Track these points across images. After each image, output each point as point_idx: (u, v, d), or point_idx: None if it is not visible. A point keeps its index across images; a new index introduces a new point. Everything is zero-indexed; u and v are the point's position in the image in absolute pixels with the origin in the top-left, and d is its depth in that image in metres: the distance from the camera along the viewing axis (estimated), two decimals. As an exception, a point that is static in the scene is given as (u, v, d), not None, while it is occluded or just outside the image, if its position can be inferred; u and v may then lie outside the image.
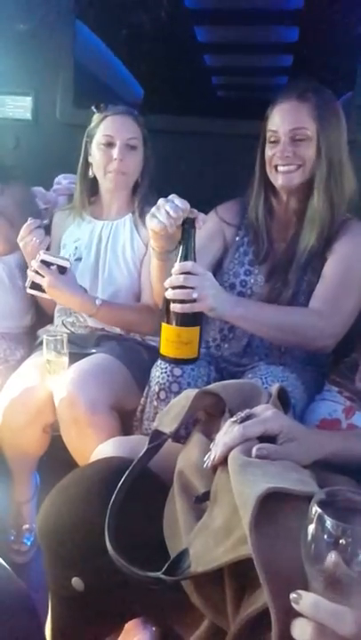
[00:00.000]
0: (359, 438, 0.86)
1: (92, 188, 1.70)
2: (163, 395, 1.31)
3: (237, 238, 1.52)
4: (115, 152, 1.58)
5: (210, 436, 0.86)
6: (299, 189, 1.41)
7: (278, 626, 0.51)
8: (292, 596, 0.49)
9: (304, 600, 0.49)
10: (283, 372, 1.36)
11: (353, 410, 1.32)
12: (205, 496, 0.73)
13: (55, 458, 1.47)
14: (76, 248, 1.70)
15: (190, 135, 1.93)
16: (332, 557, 0.49)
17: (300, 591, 0.50)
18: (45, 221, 1.73)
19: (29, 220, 1.54)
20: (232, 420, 0.78)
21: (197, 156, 1.95)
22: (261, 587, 0.54)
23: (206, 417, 0.94)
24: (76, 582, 0.79)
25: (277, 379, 1.31)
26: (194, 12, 2.37)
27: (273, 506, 0.59)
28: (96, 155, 1.62)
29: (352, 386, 1.38)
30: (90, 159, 1.66)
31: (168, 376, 1.31)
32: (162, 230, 1.13)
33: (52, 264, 1.48)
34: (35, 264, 1.47)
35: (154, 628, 1.00)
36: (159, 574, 0.66)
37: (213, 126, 1.97)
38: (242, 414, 0.78)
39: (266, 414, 0.77)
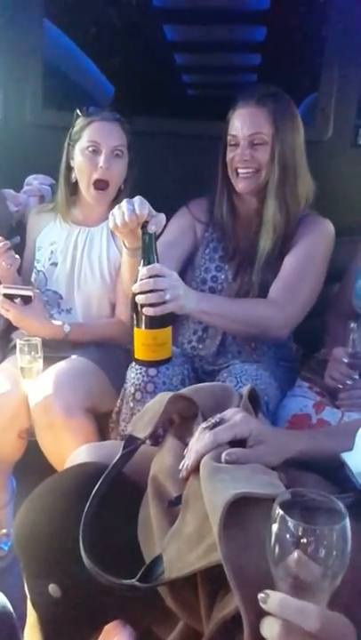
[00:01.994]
0: (326, 436, 0.89)
1: (74, 191, 1.66)
2: (138, 395, 1.32)
3: (207, 234, 1.57)
4: (100, 160, 1.54)
5: (184, 439, 0.87)
6: (258, 191, 1.47)
7: (250, 628, 0.52)
8: (260, 595, 0.51)
9: (271, 599, 0.51)
10: (256, 370, 1.39)
11: (323, 405, 1.35)
12: (178, 500, 0.75)
13: (31, 463, 1.47)
14: (52, 252, 1.68)
15: (161, 135, 1.93)
16: (295, 556, 0.51)
17: (267, 591, 0.52)
18: (16, 240, 1.70)
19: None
20: (203, 425, 0.79)
21: (169, 155, 1.95)
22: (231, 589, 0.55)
23: (180, 419, 0.95)
24: (53, 589, 0.80)
25: (251, 377, 1.34)
26: (163, 11, 2.37)
27: (242, 510, 0.61)
28: (80, 160, 1.57)
29: (321, 381, 1.41)
30: (72, 163, 1.61)
31: (143, 376, 1.32)
32: (117, 229, 1.19)
33: (16, 296, 1.47)
34: None
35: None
36: (133, 582, 0.67)
37: (184, 127, 1.98)
38: (213, 420, 0.79)
39: (235, 419, 0.79)
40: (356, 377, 1.32)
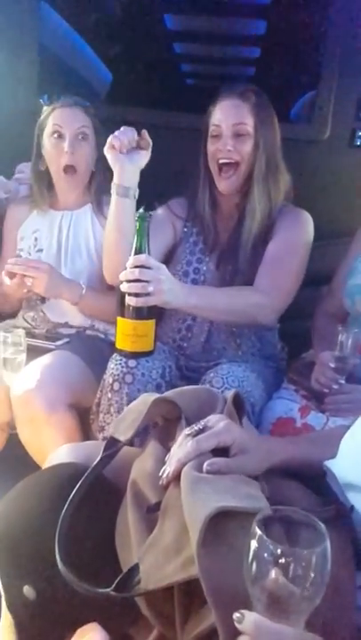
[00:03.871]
0: (310, 443, 0.88)
1: (48, 179, 1.67)
2: (117, 386, 1.32)
3: (186, 229, 1.60)
4: (65, 144, 1.57)
5: (166, 442, 0.86)
6: (239, 188, 1.50)
7: None
8: (235, 615, 0.50)
9: (246, 620, 0.50)
10: (243, 371, 1.38)
11: (308, 409, 1.34)
12: (157, 506, 0.74)
13: (12, 456, 1.46)
14: (36, 239, 1.67)
15: (159, 127, 1.90)
16: (272, 576, 0.50)
17: (243, 611, 0.51)
18: None
19: None
20: (186, 432, 0.78)
21: (165, 146, 1.92)
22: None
23: (163, 422, 0.94)
24: (28, 591, 0.79)
25: (238, 379, 1.33)
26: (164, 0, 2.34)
27: (222, 523, 0.60)
28: (47, 147, 1.61)
29: (308, 384, 1.40)
30: (42, 151, 1.64)
31: (122, 367, 1.32)
32: (113, 151, 1.32)
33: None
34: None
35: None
36: (109, 590, 0.66)
37: (182, 119, 1.95)
38: (196, 427, 0.78)
39: (218, 426, 0.78)
40: (343, 381, 1.31)
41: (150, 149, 1.37)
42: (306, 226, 1.50)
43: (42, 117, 1.62)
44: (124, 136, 1.33)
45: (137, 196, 1.38)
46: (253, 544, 0.52)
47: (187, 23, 2.66)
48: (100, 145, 1.60)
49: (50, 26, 2.12)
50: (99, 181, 1.64)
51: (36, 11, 1.96)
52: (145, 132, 1.36)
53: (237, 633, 0.51)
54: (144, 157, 1.36)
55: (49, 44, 2.12)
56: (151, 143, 1.37)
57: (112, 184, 1.38)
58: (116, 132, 1.34)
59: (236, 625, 0.50)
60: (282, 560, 0.50)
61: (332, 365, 1.31)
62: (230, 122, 1.44)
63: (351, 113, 1.81)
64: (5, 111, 2.00)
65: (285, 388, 1.45)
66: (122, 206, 1.38)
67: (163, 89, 2.26)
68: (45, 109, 1.62)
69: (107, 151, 1.36)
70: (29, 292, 1.50)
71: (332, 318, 1.52)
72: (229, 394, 0.91)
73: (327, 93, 1.81)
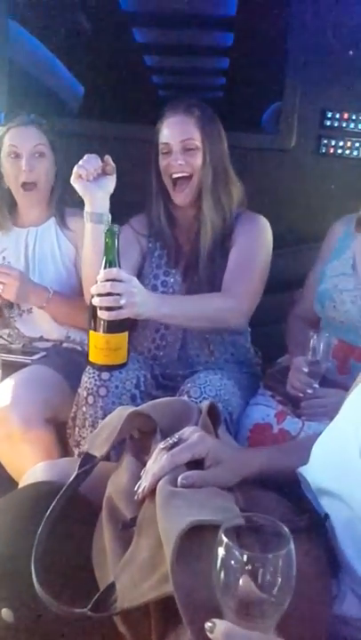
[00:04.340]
0: (284, 453, 0.89)
1: (10, 197, 1.69)
2: (91, 399, 1.32)
3: (150, 245, 1.62)
4: (22, 163, 1.59)
5: (142, 457, 0.86)
6: (194, 200, 1.53)
7: None
8: (207, 625, 0.51)
9: (217, 629, 0.50)
10: (220, 380, 1.39)
11: (284, 414, 1.35)
12: (133, 522, 0.74)
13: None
14: (4, 258, 1.68)
15: (131, 141, 1.91)
16: (241, 583, 0.50)
17: (214, 620, 0.51)
18: None
19: None
20: (161, 446, 0.78)
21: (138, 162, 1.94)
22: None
23: (139, 435, 0.94)
24: (6, 613, 0.78)
25: (215, 388, 1.35)
26: (130, 14, 2.36)
27: (196, 538, 0.60)
28: (5, 166, 1.63)
29: (284, 389, 1.41)
30: (2, 170, 1.65)
31: (96, 380, 1.32)
32: (80, 180, 1.34)
33: None
34: None
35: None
36: (85, 610, 0.66)
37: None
38: (170, 440, 0.78)
39: (192, 439, 0.78)
40: (316, 386, 1.33)
41: (115, 174, 1.39)
42: (264, 230, 1.54)
43: None
44: (89, 165, 1.34)
45: (110, 221, 1.38)
46: (221, 552, 0.52)
47: (155, 36, 2.69)
48: (58, 160, 1.65)
49: (19, 42, 2.12)
50: (60, 195, 1.66)
51: (5, 28, 1.97)
52: (108, 158, 1.37)
53: None
54: (111, 182, 1.38)
55: (19, 60, 2.13)
56: (115, 168, 1.38)
57: (85, 212, 1.39)
58: (81, 162, 1.35)
59: (208, 634, 0.50)
60: (248, 567, 0.50)
61: (306, 370, 1.33)
62: (178, 138, 1.47)
63: (316, 122, 1.84)
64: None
65: (262, 394, 1.46)
66: (97, 232, 1.37)
67: (135, 101, 2.28)
68: (1, 129, 1.64)
69: (74, 181, 1.36)
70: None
71: (305, 323, 1.54)
72: (204, 405, 0.91)
73: (292, 103, 1.84)
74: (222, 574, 0.52)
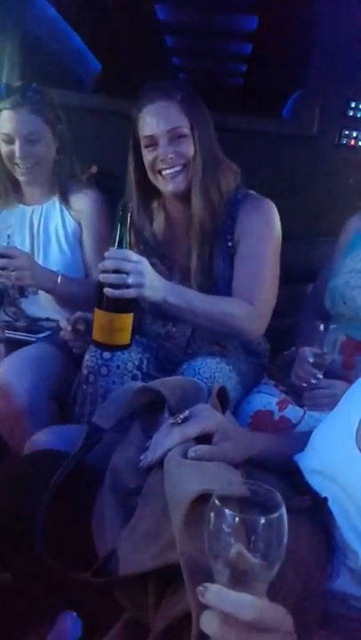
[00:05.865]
0: (289, 438, 0.90)
1: (12, 174, 1.62)
2: (92, 378, 1.30)
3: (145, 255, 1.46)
4: (16, 148, 1.51)
5: (147, 431, 0.87)
6: (184, 192, 1.36)
7: (197, 630, 0.52)
8: (199, 588, 0.51)
9: (208, 591, 0.50)
10: (217, 363, 1.38)
11: (286, 402, 1.35)
12: (137, 490, 0.74)
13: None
14: (9, 236, 1.65)
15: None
16: (233, 548, 0.50)
17: (205, 584, 0.51)
18: None
19: None
20: (171, 421, 0.79)
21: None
22: (184, 587, 0.54)
23: (146, 411, 0.94)
24: (5, 577, 0.79)
25: (210, 370, 1.33)
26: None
27: (203, 508, 0.60)
28: (2, 147, 1.55)
29: (288, 380, 1.41)
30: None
31: (97, 359, 1.30)
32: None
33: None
34: None
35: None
36: (87, 576, 0.67)
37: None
38: (181, 416, 0.79)
39: (203, 414, 0.80)
40: (320, 376, 1.33)
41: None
42: (270, 216, 1.39)
43: None
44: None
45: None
46: (212, 516, 0.52)
47: (178, 15, 2.65)
48: (61, 134, 1.57)
49: (37, 13, 2.08)
50: (63, 170, 1.62)
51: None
52: None
53: None
54: None
55: (35, 31, 2.08)
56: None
57: None
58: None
59: (200, 598, 0.50)
60: (241, 531, 0.50)
61: (311, 360, 1.32)
62: (163, 127, 1.29)
63: (339, 111, 1.80)
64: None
65: (265, 384, 1.46)
66: None
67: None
68: None
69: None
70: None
71: (316, 317, 1.53)
72: (214, 387, 0.91)
73: (315, 90, 1.80)
74: (214, 538, 0.52)
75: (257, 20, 2.44)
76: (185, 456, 0.72)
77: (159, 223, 1.47)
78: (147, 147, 1.32)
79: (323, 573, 0.66)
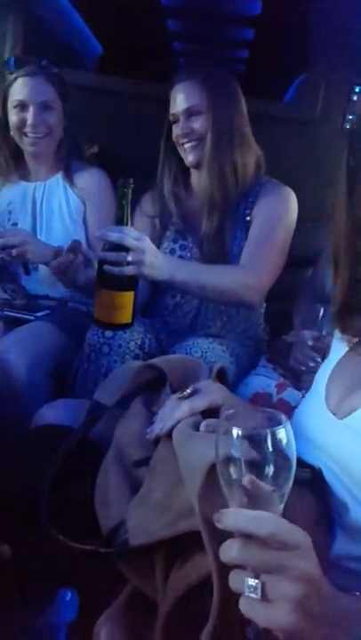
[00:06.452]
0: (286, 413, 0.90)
1: (16, 148, 1.62)
2: (93, 356, 1.31)
3: (162, 222, 1.56)
4: (29, 115, 1.52)
5: (150, 407, 0.87)
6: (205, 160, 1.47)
7: (220, 593, 0.52)
8: (215, 516, 0.51)
9: (225, 515, 0.51)
10: (210, 344, 1.39)
11: (285, 386, 1.36)
12: (143, 462, 0.75)
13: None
14: (10, 212, 1.64)
15: (147, 99, 1.88)
16: (246, 477, 0.51)
17: (222, 510, 0.51)
18: None
19: None
20: (178, 395, 0.80)
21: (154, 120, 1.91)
22: (194, 558, 0.55)
23: (148, 388, 0.94)
24: (5, 549, 0.79)
25: (201, 349, 1.35)
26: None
27: (217, 478, 0.60)
28: (12, 117, 1.55)
29: (287, 363, 1.42)
30: (8, 119, 1.57)
31: (99, 338, 1.31)
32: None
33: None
34: None
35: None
36: (96, 547, 0.67)
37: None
38: (188, 390, 0.80)
39: (210, 389, 0.81)
40: (319, 360, 1.33)
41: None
42: (288, 202, 1.48)
43: (6, 84, 1.55)
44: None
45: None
46: (222, 438, 0.52)
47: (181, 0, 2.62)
48: (68, 112, 1.58)
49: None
50: (67, 148, 1.61)
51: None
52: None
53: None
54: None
55: (38, 10, 2.06)
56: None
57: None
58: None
59: (217, 525, 0.50)
60: (245, 444, 0.51)
61: (310, 343, 1.33)
62: (183, 106, 1.42)
63: (343, 95, 1.79)
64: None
65: (264, 366, 1.47)
66: None
67: (154, 66, 2.22)
68: (8, 76, 1.55)
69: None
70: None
71: (316, 301, 1.53)
72: (215, 367, 0.92)
73: (319, 73, 1.78)
74: (225, 464, 0.52)
75: (260, 4, 2.42)
76: (192, 429, 0.73)
77: (183, 197, 1.55)
78: (173, 123, 1.48)
79: (325, 544, 0.66)
